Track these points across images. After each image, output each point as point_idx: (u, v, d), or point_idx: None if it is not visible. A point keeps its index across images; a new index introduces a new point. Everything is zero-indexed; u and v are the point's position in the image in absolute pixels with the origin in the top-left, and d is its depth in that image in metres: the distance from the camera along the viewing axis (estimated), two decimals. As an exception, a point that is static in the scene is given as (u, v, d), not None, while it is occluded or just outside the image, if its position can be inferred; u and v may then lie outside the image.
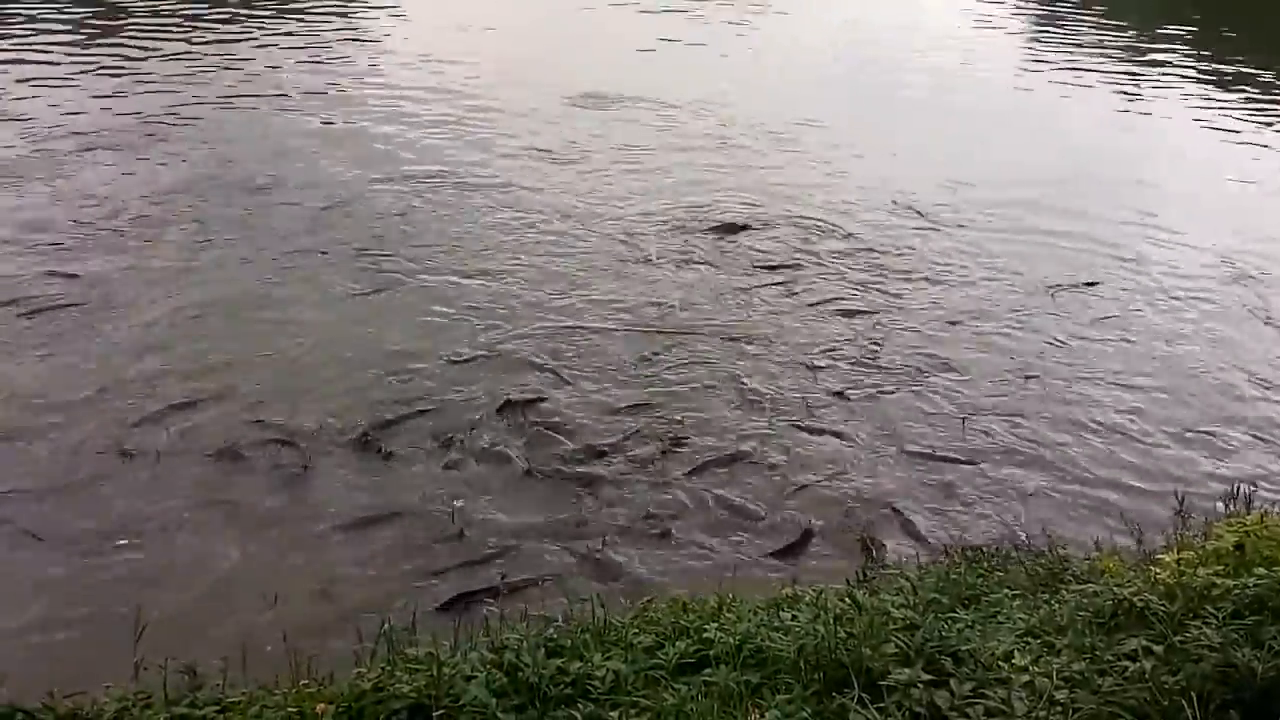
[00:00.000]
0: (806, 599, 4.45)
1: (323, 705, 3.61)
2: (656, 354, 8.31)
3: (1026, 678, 3.33)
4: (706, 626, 4.15)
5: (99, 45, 16.17)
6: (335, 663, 4.33)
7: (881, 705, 3.20)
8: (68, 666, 4.89)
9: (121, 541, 6.02)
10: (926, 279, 10.10)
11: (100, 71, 14.88)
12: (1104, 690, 3.27)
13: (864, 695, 3.23)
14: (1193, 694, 3.17)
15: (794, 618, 3.99)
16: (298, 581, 5.77)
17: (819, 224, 11.18)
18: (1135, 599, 3.90)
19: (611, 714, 3.36)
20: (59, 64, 15.07)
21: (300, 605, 5.57)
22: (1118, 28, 22.32)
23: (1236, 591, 3.75)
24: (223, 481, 6.58)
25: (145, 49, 16.12)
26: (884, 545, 6.18)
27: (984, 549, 5.43)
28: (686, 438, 7.24)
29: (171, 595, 5.59)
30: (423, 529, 6.26)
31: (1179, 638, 3.51)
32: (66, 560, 5.86)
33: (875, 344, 8.72)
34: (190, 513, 6.29)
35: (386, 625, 4.56)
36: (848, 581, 4.95)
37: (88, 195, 10.62)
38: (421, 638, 4.39)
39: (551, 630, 4.39)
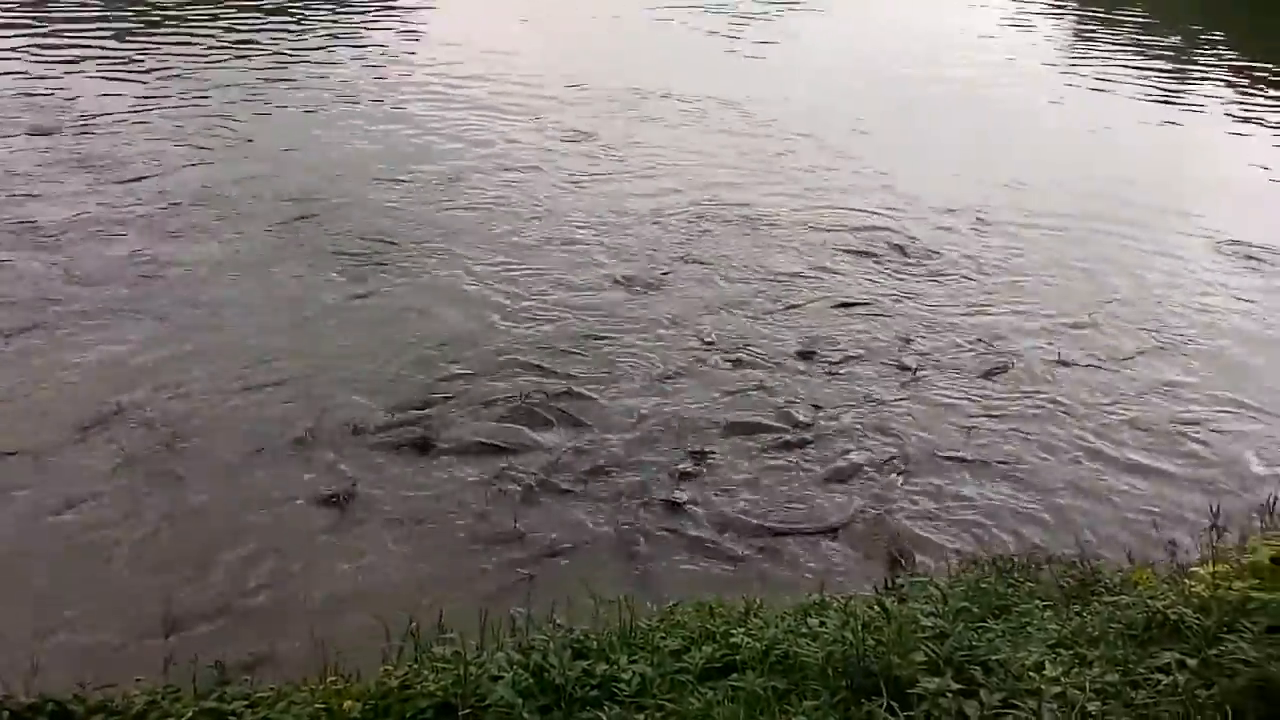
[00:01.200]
0: (834, 606, 4.42)
1: (350, 702, 3.64)
2: (690, 364, 8.27)
3: (1058, 689, 3.29)
4: (733, 631, 4.14)
5: (138, 43, 16.34)
6: (363, 660, 4.34)
7: (910, 714, 3.17)
8: (98, 660, 4.94)
9: (152, 536, 6.07)
10: (969, 280, 10.04)
11: (145, 67, 15.04)
12: (1137, 703, 3.23)
13: (892, 703, 3.21)
14: (1227, 708, 3.13)
15: (822, 624, 3.97)
16: (327, 579, 5.80)
17: (858, 226, 11.12)
18: (1169, 612, 3.85)
19: (637, 716, 3.36)
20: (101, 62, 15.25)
21: (329, 603, 5.60)
22: (1157, 30, 22.10)
23: (1273, 606, 3.70)
24: (262, 476, 6.62)
25: (188, 44, 16.27)
26: (912, 553, 6.14)
27: (1015, 559, 5.37)
28: (713, 448, 7.21)
29: (202, 592, 5.64)
30: (450, 529, 6.28)
31: (1214, 651, 3.46)
32: (96, 556, 5.91)
33: (911, 349, 8.66)
34: (230, 507, 6.33)
35: (414, 624, 4.58)
36: (875, 589, 4.92)
37: (137, 195, 10.73)
38: (449, 637, 4.41)
39: (578, 632, 4.39)
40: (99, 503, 6.29)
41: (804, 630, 4.01)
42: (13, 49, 15.42)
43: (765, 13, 22.44)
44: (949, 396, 8.02)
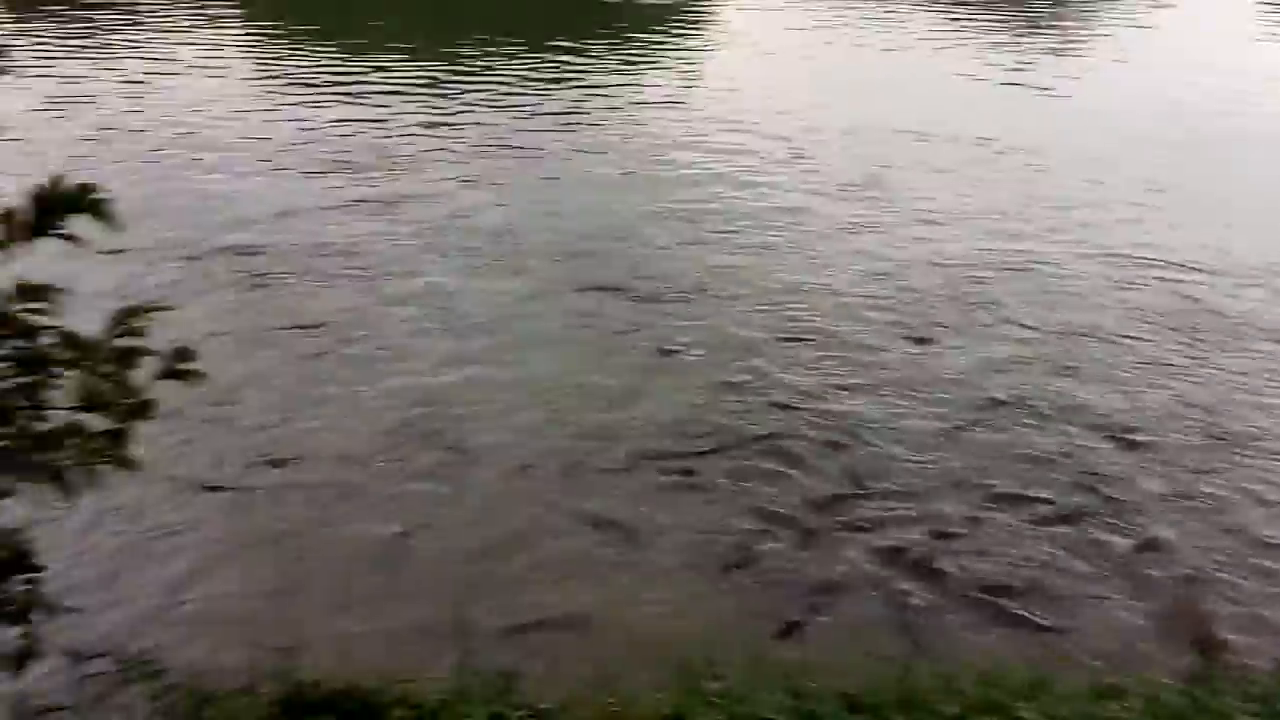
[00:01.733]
0: (1135, 691, 4.10)
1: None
2: (974, 422, 7.94)
3: None
4: (1019, 706, 3.93)
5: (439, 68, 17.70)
6: (637, 685, 4.43)
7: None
8: (394, 657, 5.29)
9: (440, 545, 6.47)
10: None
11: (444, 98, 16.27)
12: None
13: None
14: None
15: (1124, 709, 3.69)
16: (602, 602, 5.97)
17: (1156, 281, 10.37)
18: None
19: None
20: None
21: (604, 626, 5.75)
22: None
23: None
24: (544, 498, 6.93)
25: (490, 88, 17.45)
26: (1224, 643, 5.59)
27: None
28: (998, 511, 6.88)
29: (487, 600, 5.94)
30: (720, 566, 6.31)
31: None
32: (391, 560, 6.36)
33: (1220, 423, 7.96)
34: (511, 525, 6.66)
35: (686, 657, 4.63)
36: (1182, 679, 4.51)
37: (435, 232, 11.59)
38: (720, 674, 4.43)
39: (851, 685, 4.30)
40: (394, 510, 6.78)
41: (1101, 715, 3.75)
42: (329, 91, 17.06)
43: (1057, 51, 21.47)
44: (1269, 477, 7.29)
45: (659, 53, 20.87)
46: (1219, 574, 6.26)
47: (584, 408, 7.98)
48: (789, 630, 5.70)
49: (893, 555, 6.41)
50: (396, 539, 6.50)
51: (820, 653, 4.88)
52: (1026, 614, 5.92)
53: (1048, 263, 10.88)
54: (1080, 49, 22.34)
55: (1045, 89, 18.28)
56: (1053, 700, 3.98)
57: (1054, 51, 21.71)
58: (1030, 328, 9.47)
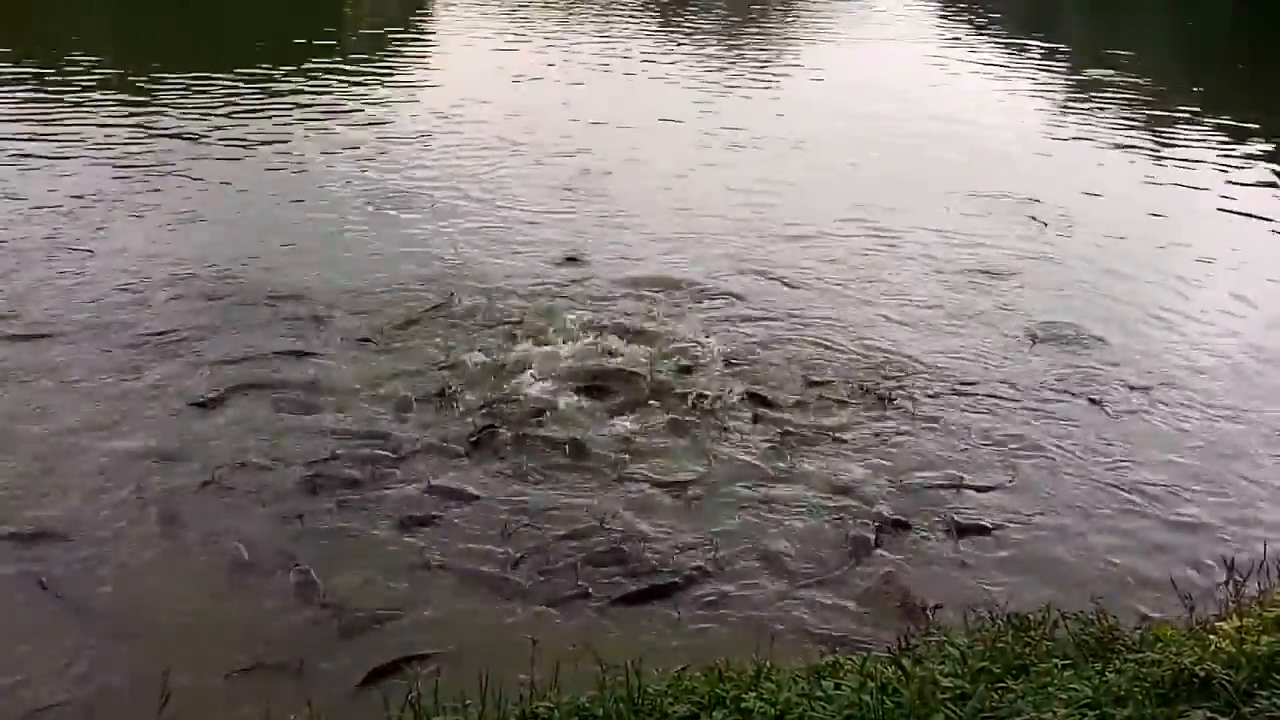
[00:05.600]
0: (849, 667, 4.28)
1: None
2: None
3: (1089, 750, 3.17)
4: (745, 696, 4.00)
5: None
6: None
7: (934, 779, 3.04)
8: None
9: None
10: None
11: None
12: (1172, 764, 3.11)
13: (916, 769, 3.07)
14: (1265, 768, 3.01)
15: (837, 686, 3.84)
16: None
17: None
18: (1196, 668, 3.73)
19: (649, 786, 3.22)
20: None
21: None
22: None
23: (1306, 660, 3.60)
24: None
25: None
26: (925, 611, 6.00)
27: (1030, 616, 5.23)
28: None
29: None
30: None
31: (1248, 709, 3.34)
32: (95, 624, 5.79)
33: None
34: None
35: (412, 694, 4.43)
36: (889, 650, 4.77)
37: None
38: (451, 706, 4.25)
39: (584, 698, 4.25)
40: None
41: (819, 693, 3.88)
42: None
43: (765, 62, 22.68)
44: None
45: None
46: (918, 551, 6.75)
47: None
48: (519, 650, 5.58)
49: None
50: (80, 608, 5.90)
51: (549, 669, 4.78)
52: (751, 602, 6.13)
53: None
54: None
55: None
56: (774, 686, 4.08)
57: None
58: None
